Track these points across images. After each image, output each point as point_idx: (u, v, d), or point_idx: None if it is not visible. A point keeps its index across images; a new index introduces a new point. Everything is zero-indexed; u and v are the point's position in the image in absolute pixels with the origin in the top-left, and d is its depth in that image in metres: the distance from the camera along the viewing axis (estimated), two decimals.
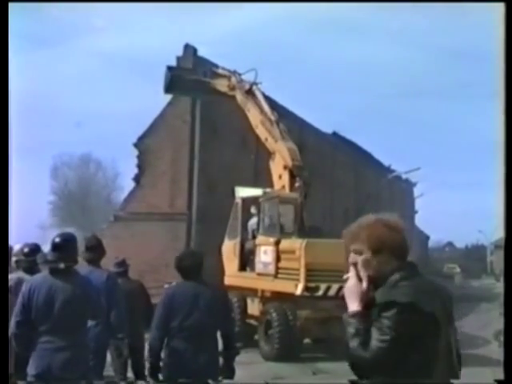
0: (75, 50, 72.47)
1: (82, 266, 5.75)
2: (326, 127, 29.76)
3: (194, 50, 20.27)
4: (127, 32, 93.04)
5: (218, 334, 5.01)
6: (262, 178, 15.10)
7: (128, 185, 23.52)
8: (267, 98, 19.93)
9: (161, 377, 4.89)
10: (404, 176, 40.06)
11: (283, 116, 21.43)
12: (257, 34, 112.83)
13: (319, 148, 26.73)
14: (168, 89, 19.00)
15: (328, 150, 28.20)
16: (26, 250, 6.26)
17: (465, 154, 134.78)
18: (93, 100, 66.24)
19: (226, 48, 74.92)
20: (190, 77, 18.67)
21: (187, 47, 20.28)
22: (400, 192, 39.92)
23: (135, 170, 20.99)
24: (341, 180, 29.46)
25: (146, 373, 5.13)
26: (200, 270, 5.00)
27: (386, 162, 37.81)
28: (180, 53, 20.36)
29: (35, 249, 6.35)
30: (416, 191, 45.32)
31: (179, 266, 4.95)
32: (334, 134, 30.56)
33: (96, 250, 6.13)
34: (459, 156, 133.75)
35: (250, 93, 16.44)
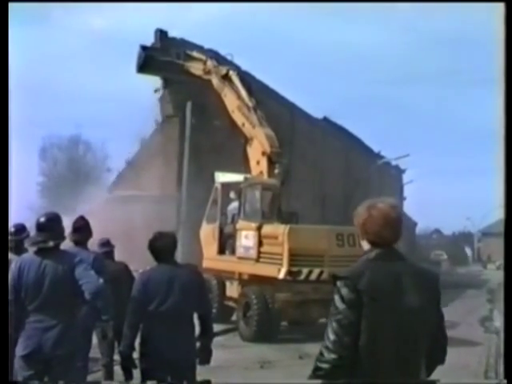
0: (63, 29, 71.61)
1: (69, 248, 5.73)
2: (317, 113, 29.73)
3: (164, 34, 19.93)
4: (116, 12, 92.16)
5: (195, 317, 4.95)
6: None
7: (117, 167, 23.48)
8: (258, 82, 19.89)
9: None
10: (393, 162, 40.20)
11: (274, 100, 21.42)
12: (246, 18, 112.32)
13: (310, 133, 26.73)
14: (140, 68, 18.95)
15: (318, 135, 28.19)
16: (12, 229, 6.23)
17: (454, 141, 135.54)
18: (82, 80, 65.55)
19: (214, 31, 74.55)
20: (163, 58, 18.60)
21: (156, 32, 19.94)
22: (389, 178, 40.08)
23: (125, 152, 20.93)
24: (331, 165, 29.48)
25: (120, 363, 5.03)
26: (173, 252, 4.91)
27: (375, 148, 37.96)
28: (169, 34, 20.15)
29: (21, 229, 6.33)
30: (405, 178, 45.53)
31: (152, 249, 4.84)
32: (325, 119, 30.51)
33: (83, 231, 6.11)
34: (449, 143, 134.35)
35: (226, 78, 16.47)
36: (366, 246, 2.85)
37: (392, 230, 2.80)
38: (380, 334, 2.62)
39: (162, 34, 19.69)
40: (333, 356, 2.59)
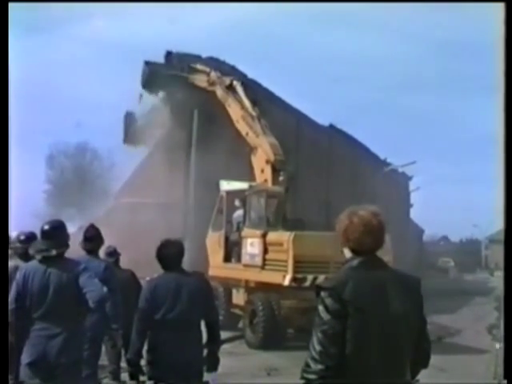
0: (68, 37, 71.87)
1: (82, 256, 5.77)
2: (323, 120, 29.73)
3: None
4: (121, 20, 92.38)
5: (202, 325, 4.96)
6: None
7: (124, 175, 23.53)
8: (264, 90, 19.94)
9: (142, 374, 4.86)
10: (400, 169, 40.04)
11: (280, 108, 21.45)
12: (254, 26, 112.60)
13: (316, 141, 26.72)
14: (146, 84, 19.13)
15: (325, 142, 28.18)
16: (21, 237, 6.26)
17: (461, 149, 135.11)
18: (88, 88, 65.79)
19: (223, 39, 74.75)
20: (167, 72, 18.79)
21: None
22: (396, 185, 39.93)
23: (131, 160, 20.99)
24: (337, 173, 29.45)
25: (128, 370, 5.04)
26: (181, 260, 4.90)
27: (382, 155, 37.83)
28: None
29: (31, 236, 6.36)
30: (412, 185, 45.38)
31: (160, 256, 4.85)
32: (331, 126, 30.49)
33: (95, 240, 6.16)
34: (455, 150, 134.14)
35: (230, 88, 16.66)
36: (347, 253, 2.86)
37: (373, 237, 2.81)
38: (366, 342, 2.64)
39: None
40: (320, 367, 2.60)
